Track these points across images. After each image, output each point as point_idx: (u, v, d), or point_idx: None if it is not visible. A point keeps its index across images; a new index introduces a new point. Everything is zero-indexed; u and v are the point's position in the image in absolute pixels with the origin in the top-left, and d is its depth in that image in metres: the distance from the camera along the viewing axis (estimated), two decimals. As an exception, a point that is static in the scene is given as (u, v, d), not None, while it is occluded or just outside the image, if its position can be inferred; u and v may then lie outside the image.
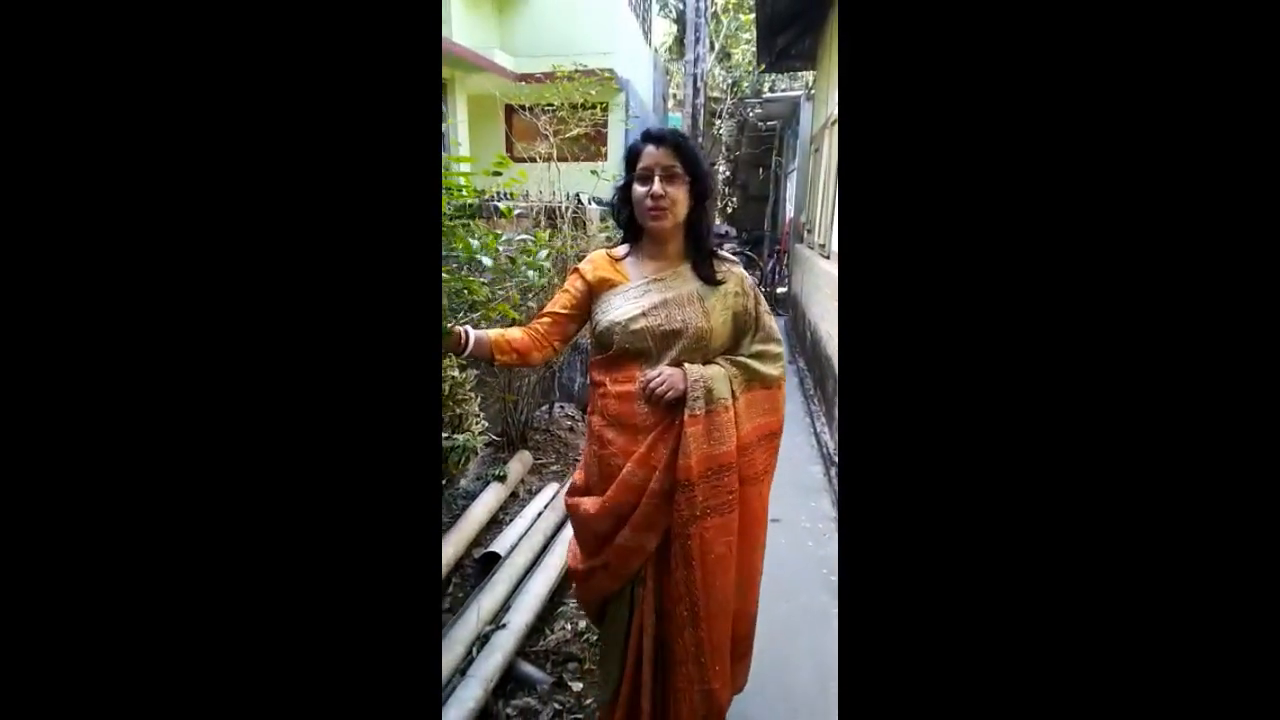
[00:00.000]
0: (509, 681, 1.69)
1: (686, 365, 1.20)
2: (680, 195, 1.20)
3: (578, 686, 1.71)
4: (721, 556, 1.21)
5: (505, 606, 1.90)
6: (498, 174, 1.76)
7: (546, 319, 1.32)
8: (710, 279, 1.25)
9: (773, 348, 1.30)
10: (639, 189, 1.21)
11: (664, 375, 1.18)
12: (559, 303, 1.32)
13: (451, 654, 1.66)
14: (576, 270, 1.33)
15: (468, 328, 1.24)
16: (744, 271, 1.32)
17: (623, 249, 1.33)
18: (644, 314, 1.21)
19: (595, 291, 1.28)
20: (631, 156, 1.24)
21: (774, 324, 1.32)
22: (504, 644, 1.71)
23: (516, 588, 2.00)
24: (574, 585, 1.48)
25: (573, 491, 1.34)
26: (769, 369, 1.28)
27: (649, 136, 1.23)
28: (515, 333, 1.29)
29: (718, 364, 1.24)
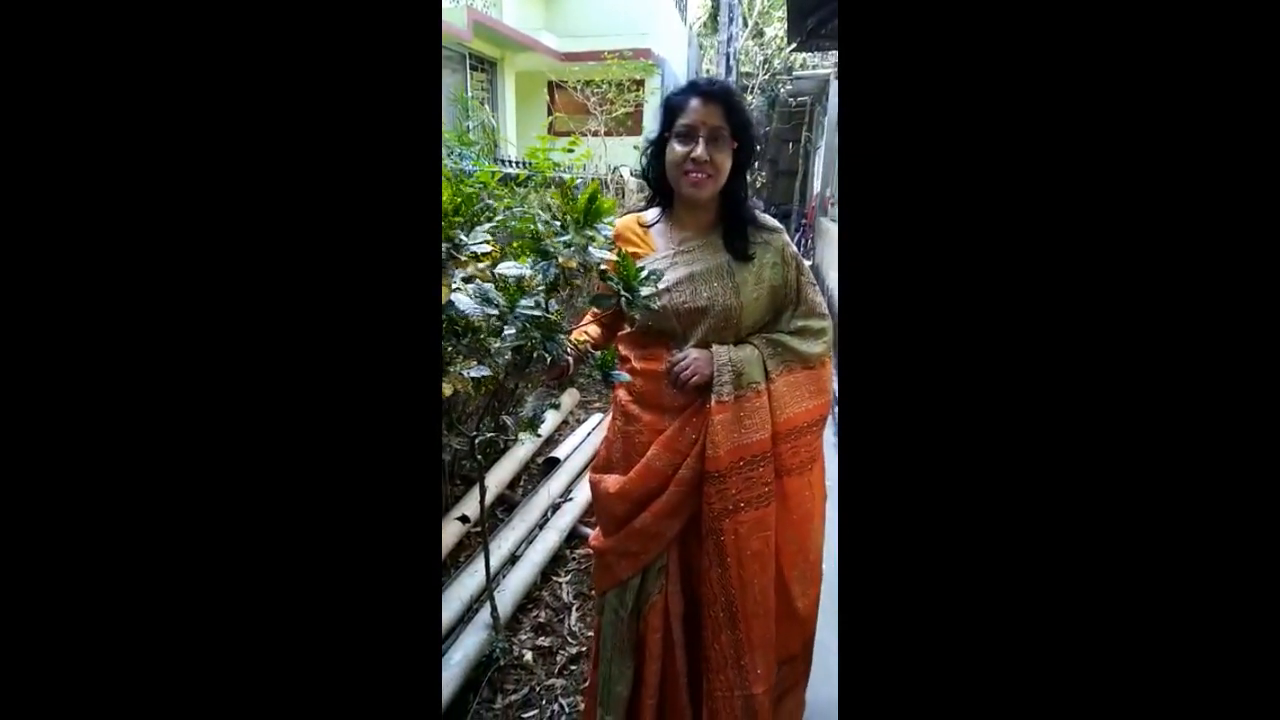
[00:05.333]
0: (574, 538, 2.24)
1: (715, 347, 1.11)
2: (725, 162, 1.07)
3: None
4: (758, 553, 1.11)
5: (568, 490, 2.45)
6: (570, 150, 2.25)
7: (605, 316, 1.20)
8: (741, 254, 1.12)
9: (815, 323, 1.17)
10: (677, 148, 1.06)
11: (689, 359, 1.10)
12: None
13: (530, 517, 2.22)
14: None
15: (568, 359, 1.06)
16: (787, 239, 1.18)
17: (653, 213, 1.22)
18: (667, 290, 1.10)
19: None
20: (672, 110, 1.08)
21: (818, 297, 1.20)
22: (570, 510, 2.27)
23: (576, 478, 2.55)
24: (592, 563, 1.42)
25: (596, 468, 1.27)
26: (810, 347, 1.16)
27: (698, 89, 1.07)
28: (593, 330, 1.21)
29: (751, 343, 1.14)
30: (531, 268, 0.89)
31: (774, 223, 1.20)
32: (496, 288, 0.88)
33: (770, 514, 1.12)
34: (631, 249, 1.16)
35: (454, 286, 0.86)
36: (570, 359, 1.06)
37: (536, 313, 0.88)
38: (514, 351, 0.92)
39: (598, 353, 1.02)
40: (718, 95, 1.06)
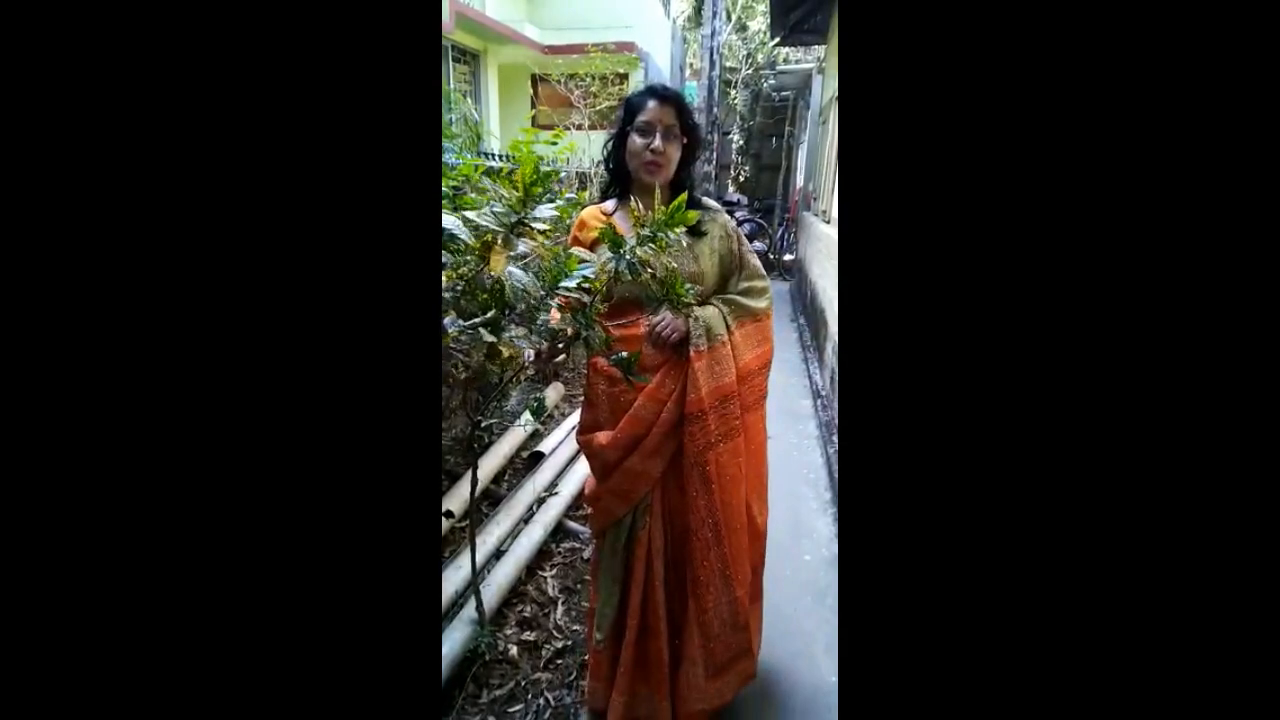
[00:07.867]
0: (559, 532, 2.24)
1: None
2: (675, 154, 1.29)
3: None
4: (734, 477, 1.33)
5: (553, 484, 2.44)
6: (554, 143, 2.23)
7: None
8: (694, 230, 1.31)
9: (758, 283, 1.42)
10: (637, 140, 1.26)
11: (668, 320, 1.27)
12: None
13: (515, 511, 2.21)
14: (574, 239, 1.37)
15: (542, 346, 1.23)
16: (727, 217, 1.42)
17: (611, 203, 1.39)
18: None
19: (594, 250, 1.29)
20: (632, 108, 1.28)
21: (757, 261, 1.43)
22: (556, 504, 2.26)
23: (562, 473, 2.55)
24: (589, 511, 1.65)
25: (583, 429, 1.43)
26: (756, 303, 1.41)
27: (655, 92, 1.28)
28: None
29: (711, 304, 1.34)
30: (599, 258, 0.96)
31: (716, 205, 1.43)
32: (544, 267, 0.96)
33: (741, 444, 1.36)
34: (600, 234, 1.36)
35: (511, 254, 0.93)
36: (544, 346, 1.19)
37: (574, 293, 0.96)
38: (552, 335, 1.00)
39: (625, 354, 1.19)
40: (672, 99, 1.28)
